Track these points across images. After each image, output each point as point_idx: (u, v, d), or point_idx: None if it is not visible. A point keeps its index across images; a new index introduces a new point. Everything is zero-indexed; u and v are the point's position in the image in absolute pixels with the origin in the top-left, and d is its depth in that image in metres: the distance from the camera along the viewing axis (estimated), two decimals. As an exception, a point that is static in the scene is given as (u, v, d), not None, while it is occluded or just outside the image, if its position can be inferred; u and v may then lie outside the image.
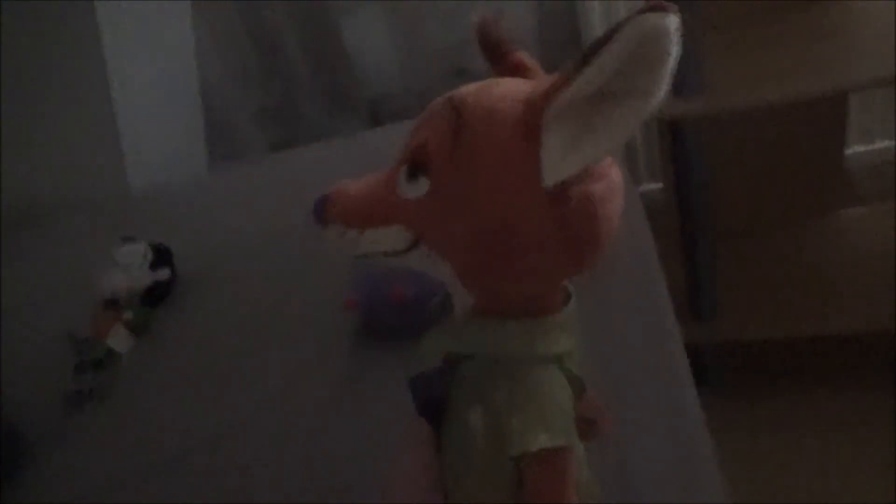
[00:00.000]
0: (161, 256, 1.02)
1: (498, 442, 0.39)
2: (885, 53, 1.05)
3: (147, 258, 0.99)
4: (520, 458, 0.38)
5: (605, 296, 0.77)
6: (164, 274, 1.00)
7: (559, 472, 0.39)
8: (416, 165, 0.37)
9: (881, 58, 1.05)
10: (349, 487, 0.65)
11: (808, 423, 1.25)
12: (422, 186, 0.37)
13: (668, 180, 1.47)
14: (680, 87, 1.06)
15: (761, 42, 1.19)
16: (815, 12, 1.23)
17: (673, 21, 0.30)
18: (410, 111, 1.71)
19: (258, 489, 0.69)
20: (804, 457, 1.20)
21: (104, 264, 1.00)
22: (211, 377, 0.88)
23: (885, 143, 1.62)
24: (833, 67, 1.09)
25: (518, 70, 0.40)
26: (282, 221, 1.15)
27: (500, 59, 0.40)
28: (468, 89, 0.37)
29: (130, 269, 0.97)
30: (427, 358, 0.42)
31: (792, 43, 1.16)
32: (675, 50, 0.30)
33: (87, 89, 1.45)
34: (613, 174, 0.37)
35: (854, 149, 1.60)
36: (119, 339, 0.92)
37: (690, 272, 1.30)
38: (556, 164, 0.34)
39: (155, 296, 1.00)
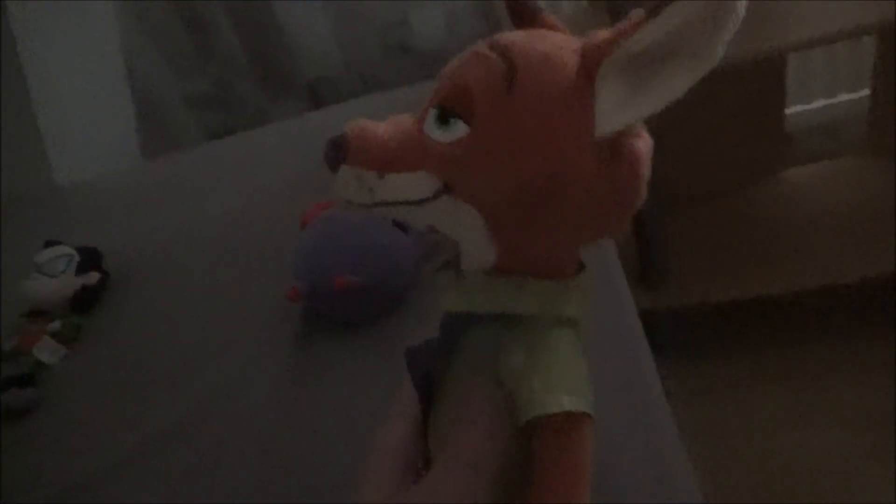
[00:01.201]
0: (88, 259, 0.96)
1: (504, 419, 0.36)
2: (821, 12, 1.05)
3: (73, 262, 0.93)
4: (534, 425, 0.35)
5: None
6: (92, 278, 0.95)
7: (579, 441, 0.36)
8: (451, 108, 0.34)
9: (817, 17, 1.05)
10: (299, 483, 0.63)
11: (760, 382, 1.28)
12: (457, 130, 0.34)
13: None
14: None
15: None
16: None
17: None
18: (352, 91, 1.69)
19: (205, 491, 0.67)
20: (759, 414, 1.23)
21: (27, 271, 0.94)
22: (150, 381, 0.84)
23: (823, 102, 1.64)
24: (772, 29, 1.08)
25: (551, 29, 0.38)
26: (220, 212, 1.11)
27: (529, 23, 0.39)
28: (514, 36, 0.36)
29: (55, 275, 0.91)
30: (445, 313, 0.40)
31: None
32: (740, 16, 0.30)
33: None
34: (646, 136, 0.37)
35: (793, 109, 1.62)
36: (47, 351, 0.86)
37: (641, 241, 1.30)
38: (611, 115, 0.33)
39: (84, 301, 0.94)
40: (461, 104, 0.34)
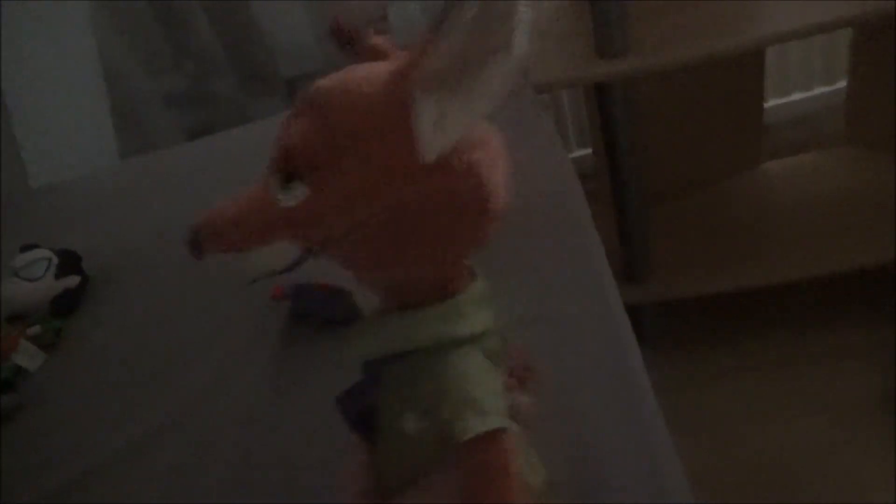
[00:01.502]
0: (68, 262, 0.94)
1: (440, 443, 0.36)
2: (797, 7, 1.06)
3: (52, 266, 0.91)
4: (456, 453, 0.36)
5: (544, 266, 0.77)
6: (72, 281, 0.93)
7: (499, 457, 0.36)
8: (288, 171, 0.34)
9: (793, 11, 1.06)
10: (282, 486, 0.63)
11: (742, 372, 1.30)
12: (299, 192, 0.34)
13: (598, 146, 1.47)
14: (605, 48, 1.07)
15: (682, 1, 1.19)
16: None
17: None
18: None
19: (188, 492, 0.66)
20: (741, 404, 1.24)
21: (4, 275, 0.92)
22: (132, 383, 0.83)
23: (800, 95, 1.66)
24: (750, 23, 1.09)
25: (375, 55, 0.39)
26: (201, 210, 1.09)
27: (356, 50, 0.40)
28: (325, 81, 0.36)
29: (34, 278, 0.89)
30: (348, 364, 0.40)
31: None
32: (521, 4, 0.30)
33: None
34: (494, 140, 0.37)
35: (772, 102, 1.63)
36: (27, 356, 0.85)
37: (623, 235, 1.31)
38: (433, 135, 0.32)
39: (65, 305, 0.93)
40: (294, 165, 0.34)
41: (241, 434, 0.70)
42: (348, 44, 0.40)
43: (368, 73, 0.35)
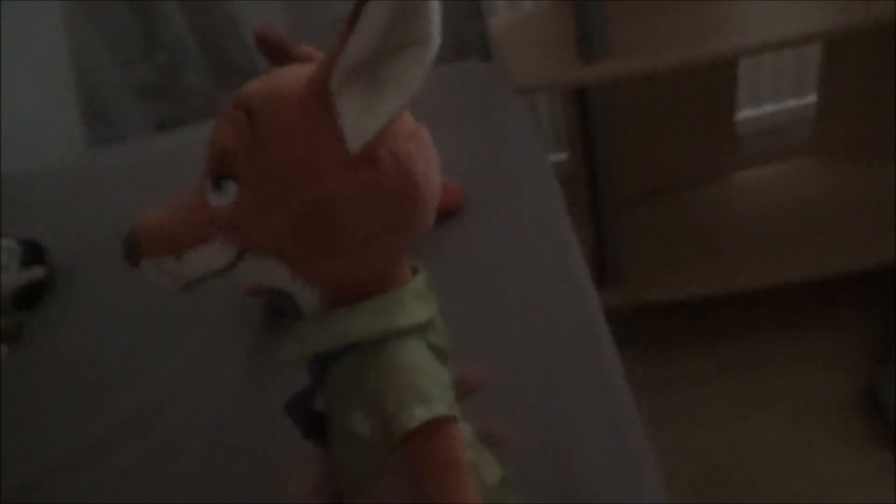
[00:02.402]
0: (32, 253, 0.91)
1: (389, 438, 0.36)
2: (770, 20, 1.09)
3: (15, 256, 0.88)
4: (403, 445, 0.35)
5: (522, 269, 0.77)
6: (36, 273, 0.90)
7: (447, 445, 0.36)
8: (218, 173, 0.35)
9: (766, 24, 1.09)
10: (251, 485, 0.62)
11: (712, 375, 1.32)
12: (230, 191, 0.35)
13: (574, 151, 1.48)
14: (587, 52, 1.08)
15: (660, 6, 1.21)
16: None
17: None
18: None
19: (159, 487, 0.65)
20: (711, 406, 1.27)
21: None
22: (100, 378, 0.80)
23: (772, 107, 1.70)
24: (724, 34, 1.11)
25: (305, 61, 0.39)
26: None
27: (284, 60, 0.40)
28: (251, 84, 0.37)
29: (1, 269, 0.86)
30: (290, 365, 0.40)
31: (690, 6, 1.19)
32: None
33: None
34: (422, 133, 0.37)
35: (743, 113, 1.67)
36: (-9, 351, 0.82)
37: (597, 240, 1.32)
38: (356, 127, 0.33)
39: (29, 298, 0.90)
40: (224, 165, 0.35)
41: (210, 432, 0.69)
42: (276, 53, 0.40)
43: (293, 73, 0.36)
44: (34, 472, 0.70)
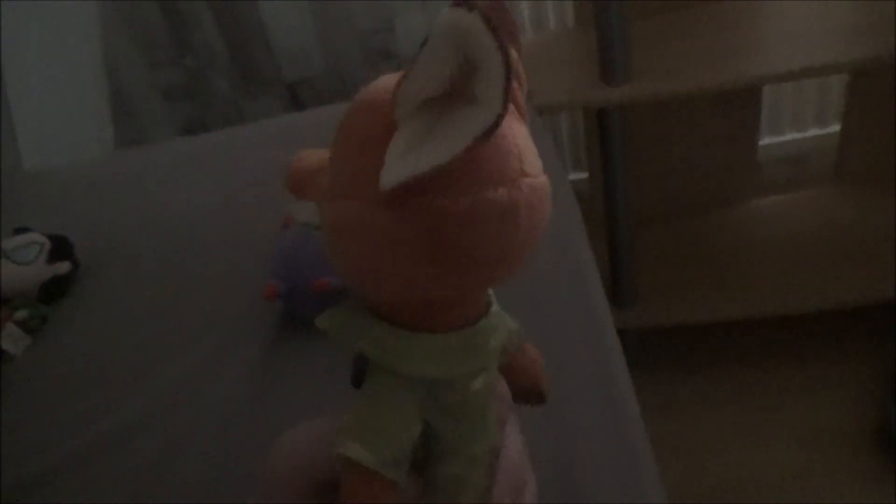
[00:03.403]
0: (60, 248, 0.93)
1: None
2: (796, 49, 1.09)
3: (44, 251, 0.90)
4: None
5: (537, 285, 0.77)
6: (63, 268, 0.92)
7: (361, 494, 0.35)
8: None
9: (792, 53, 1.09)
10: (258, 488, 0.61)
11: (720, 400, 1.31)
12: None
13: (594, 169, 1.49)
14: (609, 74, 1.09)
15: (685, 30, 1.22)
16: (741, 2, 1.27)
17: (476, 19, 0.27)
18: (332, 95, 1.68)
19: (162, 488, 0.65)
20: (717, 431, 1.26)
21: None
22: (116, 373, 0.81)
23: (794, 135, 1.69)
24: (749, 62, 1.12)
25: None
26: (194, 206, 1.09)
27: None
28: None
29: (25, 262, 0.88)
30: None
31: (715, 31, 1.20)
32: (496, 54, 0.27)
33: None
34: (499, 194, 0.31)
35: (765, 140, 1.67)
36: (11, 340, 0.83)
37: (612, 259, 1.32)
38: (392, 166, 0.30)
39: (54, 291, 0.91)
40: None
41: (220, 431, 0.70)
42: None
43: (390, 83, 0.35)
44: (45, 464, 0.71)
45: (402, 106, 0.30)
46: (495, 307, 0.40)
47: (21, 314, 0.86)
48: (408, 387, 0.36)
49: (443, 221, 0.31)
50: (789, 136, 1.69)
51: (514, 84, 0.32)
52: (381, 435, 0.35)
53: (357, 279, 0.35)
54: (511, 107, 0.32)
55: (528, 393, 0.49)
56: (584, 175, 1.65)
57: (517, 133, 0.33)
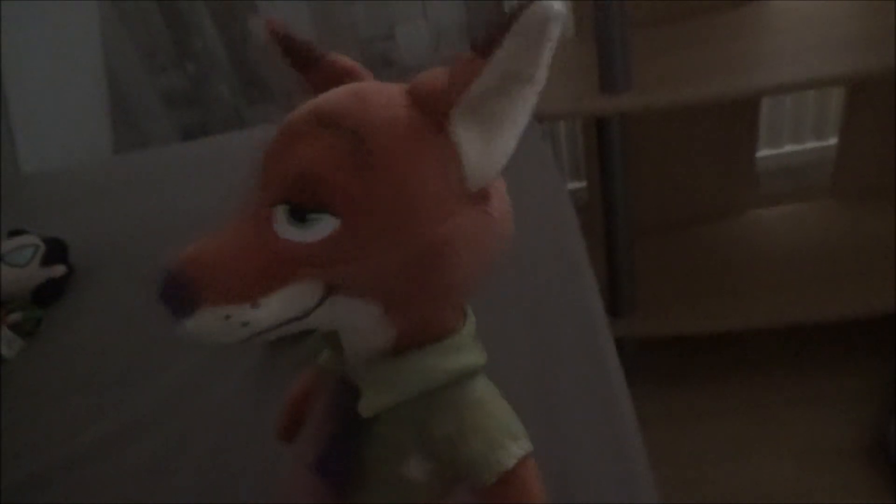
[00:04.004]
0: (55, 251, 0.93)
1: (447, 484, 0.35)
2: (794, 62, 1.09)
3: (38, 253, 0.90)
4: (489, 485, 0.34)
5: (534, 294, 0.77)
6: (57, 271, 0.91)
7: (533, 481, 0.35)
8: (306, 203, 0.29)
9: (790, 66, 1.09)
10: (258, 488, 0.61)
11: (717, 412, 1.31)
12: (323, 226, 0.29)
13: (592, 179, 1.49)
14: (609, 83, 1.09)
15: (685, 40, 1.22)
16: (742, 12, 1.27)
17: (562, 7, 0.28)
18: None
19: (158, 492, 0.64)
20: (713, 443, 1.26)
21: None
22: (109, 378, 0.81)
23: (792, 148, 1.70)
24: (748, 73, 1.12)
25: (346, 76, 0.35)
26: (191, 210, 1.09)
27: (311, 66, 0.35)
28: (331, 101, 0.31)
29: (19, 264, 0.88)
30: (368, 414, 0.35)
31: (715, 42, 1.20)
32: (554, 33, 0.29)
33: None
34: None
35: (763, 152, 1.67)
36: (5, 342, 0.83)
37: (610, 270, 1.32)
38: (480, 164, 0.30)
39: (48, 294, 0.91)
40: (314, 195, 0.29)
41: (217, 435, 0.69)
42: (299, 56, 0.35)
43: (389, 94, 0.31)
44: (39, 467, 0.70)
45: (466, 104, 0.30)
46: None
47: (14, 317, 0.86)
48: (484, 377, 0.37)
49: (505, 198, 0.33)
50: (788, 149, 1.70)
51: None
52: (512, 422, 0.35)
53: (447, 299, 0.35)
54: None
55: None
56: (582, 184, 1.65)
57: None
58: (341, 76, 0.35)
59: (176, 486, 0.65)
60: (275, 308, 0.30)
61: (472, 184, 0.31)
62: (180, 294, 0.29)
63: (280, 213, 0.30)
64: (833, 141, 1.58)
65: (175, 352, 0.82)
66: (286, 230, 0.30)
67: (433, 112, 0.30)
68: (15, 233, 0.95)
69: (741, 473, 1.19)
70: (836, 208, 1.51)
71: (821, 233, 1.45)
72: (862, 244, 1.38)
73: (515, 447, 0.34)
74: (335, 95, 0.32)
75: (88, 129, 1.51)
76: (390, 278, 0.31)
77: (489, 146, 0.30)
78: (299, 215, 0.29)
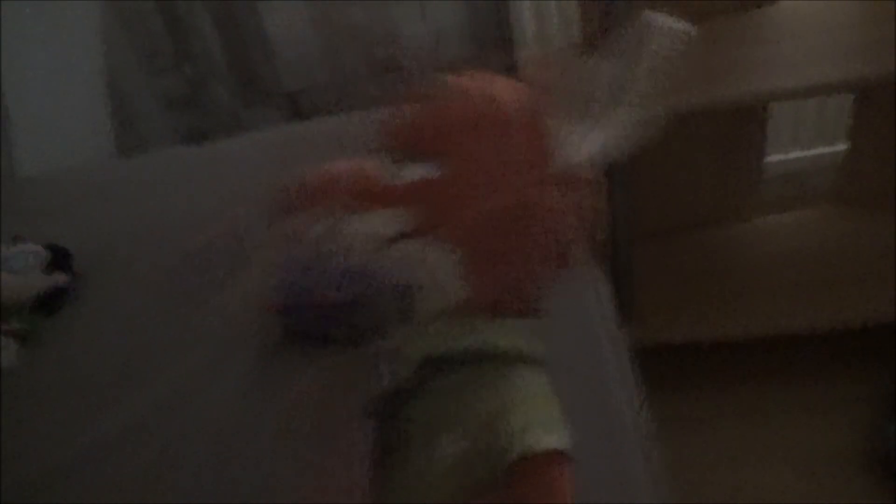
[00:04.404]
0: (58, 258, 0.92)
1: (478, 463, 0.34)
2: (802, 68, 1.09)
3: (41, 261, 0.89)
4: (514, 469, 0.33)
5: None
6: (60, 279, 0.90)
7: (562, 481, 0.34)
8: (413, 149, 0.35)
9: (799, 72, 1.09)
10: (257, 491, 0.61)
11: (718, 419, 1.31)
12: (425, 170, 0.35)
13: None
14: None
15: (690, 46, 1.21)
16: (749, 17, 1.27)
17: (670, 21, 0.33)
18: (333, 105, 1.67)
19: (159, 495, 0.65)
20: (714, 450, 1.26)
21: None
22: (107, 383, 0.81)
23: (798, 153, 1.69)
24: (756, 79, 1.11)
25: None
26: (193, 215, 1.08)
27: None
28: (464, 80, 0.36)
29: (21, 272, 0.87)
30: (404, 365, 0.37)
31: (722, 48, 1.19)
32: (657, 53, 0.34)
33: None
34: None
35: (771, 157, 1.66)
36: (4, 349, 0.82)
37: (612, 275, 1.31)
38: (575, 147, 0.35)
39: (49, 302, 0.90)
40: (423, 144, 0.35)
41: (215, 440, 0.70)
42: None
43: (507, 82, 0.36)
44: (37, 471, 0.70)
45: (569, 96, 0.35)
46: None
47: (14, 324, 0.85)
48: (540, 370, 0.37)
49: (594, 191, 0.37)
50: (793, 154, 1.69)
51: None
52: (557, 418, 0.35)
53: (523, 270, 0.36)
54: None
55: None
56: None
57: None
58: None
59: (175, 489, 0.65)
60: (364, 223, 0.36)
61: (563, 164, 0.35)
62: (295, 193, 0.39)
63: (391, 154, 0.36)
64: (839, 147, 1.58)
65: (176, 357, 0.82)
66: (393, 168, 0.36)
67: (543, 95, 0.35)
68: (16, 240, 0.94)
69: (740, 479, 1.19)
70: (840, 215, 1.51)
71: (824, 240, 1.45)
72: (865, 252, 1.37)
73: (549, 438, 0.34)
74: (463, 77, 0.37)
75: (88, 131, 1.50)
76: (478, 231, 0.34)
77: (588, 136, 0.35)
78: (412, 158, 0.35)
